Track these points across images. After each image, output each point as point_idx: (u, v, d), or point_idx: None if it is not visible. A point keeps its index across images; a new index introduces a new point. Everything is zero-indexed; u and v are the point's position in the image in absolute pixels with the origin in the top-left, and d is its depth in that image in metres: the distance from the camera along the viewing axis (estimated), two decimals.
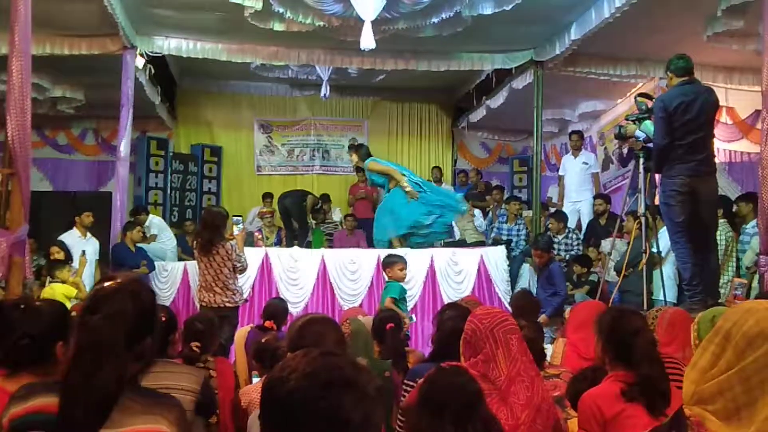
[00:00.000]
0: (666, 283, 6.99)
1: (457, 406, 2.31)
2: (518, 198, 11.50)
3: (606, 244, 8.43)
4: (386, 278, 7.23)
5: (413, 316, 7.51)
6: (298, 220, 11.41)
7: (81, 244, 8.33)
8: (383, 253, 8.51)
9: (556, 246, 8.86)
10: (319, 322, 2.83)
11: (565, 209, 10.18)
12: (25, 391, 1.82)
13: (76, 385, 1.73)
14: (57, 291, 7.18)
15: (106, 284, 1.91)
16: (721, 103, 8.85)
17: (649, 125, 6.16)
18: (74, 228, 8.71)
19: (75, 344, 1.81)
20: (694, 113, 5.65)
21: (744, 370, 1.53)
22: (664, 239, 7.23)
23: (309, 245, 10.71)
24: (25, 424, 1.68)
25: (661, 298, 6.91)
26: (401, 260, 7.11)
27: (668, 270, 7.41)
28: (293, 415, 1.33)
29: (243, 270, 6.79)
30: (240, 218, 7.20)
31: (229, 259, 6.41)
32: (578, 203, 10.40)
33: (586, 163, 10.61)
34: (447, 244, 9.66)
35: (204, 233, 6.55)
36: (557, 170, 11.38)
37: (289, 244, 10.31)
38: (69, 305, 6.99)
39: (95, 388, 1.71)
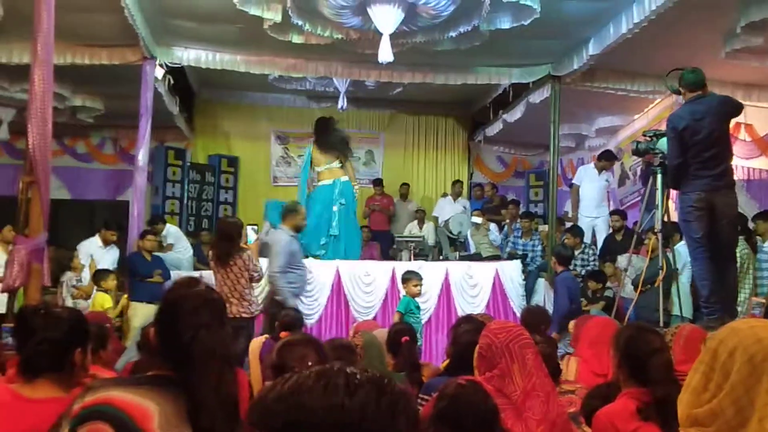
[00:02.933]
0: (682, 298, 6.95)
1: (474, 424, 2.31)
2: (531, 214, 11.48)
3: (622, 260, 8.39)
4: (403, 293, 7.40)
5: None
6: None
7: (100, 252, 8.40)
8: (398, 265, 8.56)
9: (572, 261, 8.82)
10: (300, 343, 2.85)
11: (580, 224, 10.14)
12: (100, 383, 1.84)
13: (205, 397, 1.79)
14: (97, 301, 7.30)
15: (195, 291, 1.94)
16: (739, 120, 8.84)
17: (664, 143, 6.13)
18: (97, 236, 8.81)
19: (198, 354, 1.83)
20: (703, 133, 5.60)
21: (732, 391, 1.52)
22: (680, 256, 7.20)
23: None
24: (92, 414, 1.69)
25: (679, 313, 6.87)
26: (416, 277, 7.27)
27: (684, 286, 7.37)
28: None
29: (259, 279, 6.81)
30: (255, 226, 7.19)
31: (246, 269, 6.42)
32: (596, 219, 10.36)
33: (608, 181, 10.60)
34: (462, 258, 9.67)
35: (220, 244, 6.56)
36: (611, 183, 11.31)
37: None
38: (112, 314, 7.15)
39: (222, 399, 1.80)
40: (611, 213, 10.25)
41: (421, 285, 7.29)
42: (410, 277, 7.30)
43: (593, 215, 10.31)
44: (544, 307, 7.68)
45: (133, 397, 1.73)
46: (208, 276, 7.99)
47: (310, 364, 2.68)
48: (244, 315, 6.37)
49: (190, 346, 1.83)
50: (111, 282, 7.77)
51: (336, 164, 9.53)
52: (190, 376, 1.80)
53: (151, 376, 1.86)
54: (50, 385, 2.23)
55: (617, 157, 11.15)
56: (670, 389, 2.67)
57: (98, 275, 7.68)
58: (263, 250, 7.75)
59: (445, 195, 13.22)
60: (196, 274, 8.66)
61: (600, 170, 10.51)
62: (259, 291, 7.54)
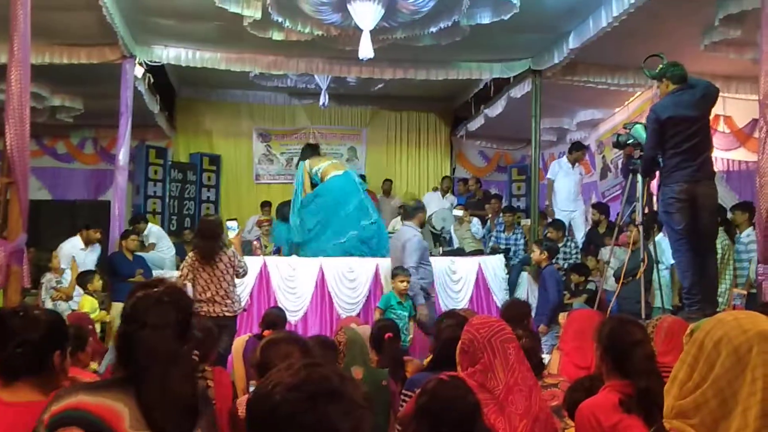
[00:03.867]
0: (663, 290, 6.99)
1: (455, 419, 2.31)
2: (513, 208, 11.51)
3: (605, 253, 8.43)
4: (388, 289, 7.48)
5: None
6: None
7: (81, 254, 8.33)
8: (381, 262, 8.54)
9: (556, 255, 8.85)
10: (283, 341, 2.84)
11: (557, 218, 10.18)
12: (67, 390, 1.84)
13: (153, 398, 1.78)
14: (85, 305, 7.24)
15: (148, 292, 1.93)
16: (718, 112, 8.91)
17: (639, 130, 6.14)
18: (78, 237, 8.72)
19: (137, 356, 1.83)
20: (686, 124, 5.63)
21: (717, 382, 1.54)
22: (661, 247, 7.25)
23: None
24: (63, 420, 1.69)
25: (660, 305, 6.91)
26: (403, 273, 7.24)
27: (666, 277, 7.42)
28: (280, 429, 1.32)
29: (244, 275, 6.77)
30: (235, 221, 7.14)
31: (231, 266, 6.38)
32: (573, 213, 10.38)
33: (582, 174, 10.62)
34: (445, 253, 9.68)
35: (204, 243, 6.51)
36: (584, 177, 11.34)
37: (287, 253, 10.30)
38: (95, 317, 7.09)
39: (171, 397, 1.78)
40: (593, 206, 10.29)
41: (408, 281, 7.28)
42: (397, 273, 7.28)
43: (570, 209, 10.31)
44: (526, 300, 7.71)
45: (103, 399, 1.74)
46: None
47: (293, 360, 2.68)
48: (227, 314, 6.32)
49: (134, 347, 1.83)
50: (97, 283, 7.72)
51: (335, 160, 9.64)
52: (136, 377, 1.80)
53: (116, 379, 1.87)
54: (29, 388, 2.21)
55: (585, 146, 11.15)
56: (652, 381, 2.68)
57: (83, 278, 7.60)
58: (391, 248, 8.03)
59: (435, 189, 13.19)
60: (177, 273, 8.63)
61: (573, 163, 10.51)
62: (242, 289, 7.52)
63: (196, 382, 1.86)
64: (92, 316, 7.03)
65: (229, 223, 6.99)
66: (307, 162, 9.22)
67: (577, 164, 10.56)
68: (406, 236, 7.63)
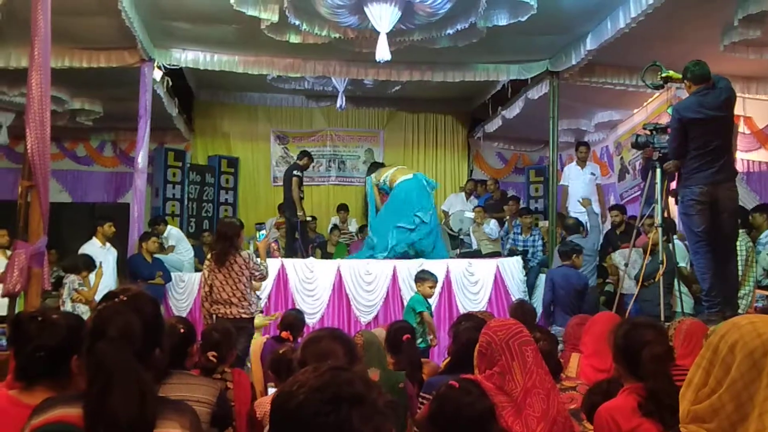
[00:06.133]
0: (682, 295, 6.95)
1: (466, 426, 2.31)
2: (530, 210, 11.48)
3: (617, 256, 8.37)
4: (414, 290, 7.54)
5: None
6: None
7: (101, 254, 8.38)
8: (399, 264, 8.55)
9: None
10: (327, 337, 2.82)
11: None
12: (46, 403, 1.84)
13: (94, 413, 1.74)
14: None
15: (108, 303, 1.92)
16: (738, 113, 8.82)
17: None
18: (94, 238, 8.75)
19: (87, 370, 1.82)
20: (708, 125, 5.60)
21: (732, 386, 1.53)
22: (680, 251, 7.20)
23: (330, 257, 10.75)
24: None
25: (680, 309, 6.86)
26: (431, 278, 7.33)
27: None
28: (301, 429, 1.33)
29: (263, 278, 6.79)
30: (264, 225, 7.16)
31: (246, 268, 6.39)
32: (584, 214, 10.30)
33: (594, 174, 10.53)
34: (463, 255, 9.68)
35: (218, 245, 6.55)
36: (597, 177, 11.25)
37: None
38: None
39: (112, 414, 1.72)
40: (612, 208, 10.22)
41: (435, 286, 7.37)
42: (426, 277, 7.34)
43: (581, 211, 10.23)
44: (528, 302, 7.72)
45: (80, 410, 1.74)
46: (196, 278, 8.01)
47: (337, 357, 2.68)
48: (244, 316, 6.35)
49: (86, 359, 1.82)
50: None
51: (402, 165, 9.97)
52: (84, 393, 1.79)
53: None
54: (48, 391, 2.22)
55: (584, 142, 11.04)
56: (659, 382, 2.65)
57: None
58: None
59: (463, 190, 13.13)
60: (197, 275, 8.68)
61: (582, 163, 10.43)
62: (260, 291, 7.55)
63: (147, 400, 1.77)
64: None
65: (258, 228, 7.07)
66: (373, 176, 9.59)
67: (589, 164, 10.47)
68: None
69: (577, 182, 10.39)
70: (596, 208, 10.17)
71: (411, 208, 9.04)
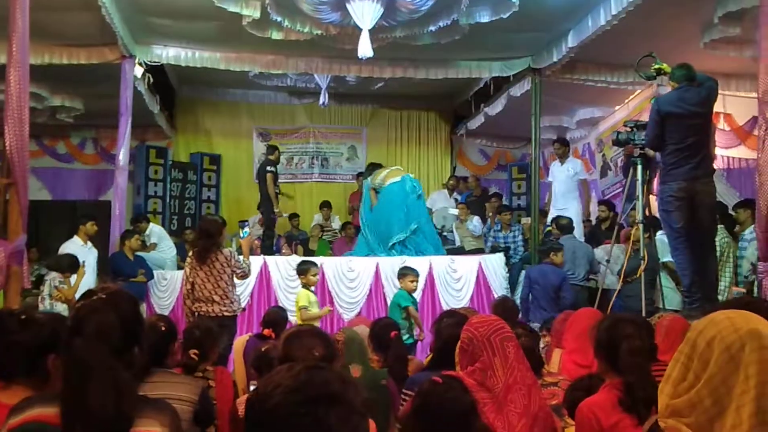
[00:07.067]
0: (664, 291, 6.99)
1: (449, 421, 2.31)
2: (510, 207, 11.51)
3: (599, 251, 8.42)
4: (397, 287, 7.58)
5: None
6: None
7: (83, 253, 8.31)
8: (381, 261, 8.56)
9: None
10: (306, 334, 2.82)
11: (551, 216, 10.18)
12: (24, 403, 1.83)
13: (71, 411, 1.74)
14: None
15: (86, 302, 1.91)
16: (718, 110, 8.89)
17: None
18: (76, 236, 8.68)
19: (63, 367, 1.82)
20: (687, 121, 5.65)
21: (711, 380, 1.55)
22: (661, 247, 7.24)
23: (312, 254, 10.73)
24: None
25: (662, 305, 6.91)
26: (412, 272, 7.40)
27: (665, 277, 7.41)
28: (277, 430, 1.32)
29: (245, 276, 6.76)
30: (247, 222, 7.16)
31: (228, 265, 6.37)
32: (564, 210, 10.31)
33: (572, 170, 10.54)
34: (446, 251, 9.70)
35: (199, 242, 6.53)
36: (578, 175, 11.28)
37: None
38: None
39: (88, 411, 1.72)
40: (599, 203, 10.28)
41: (417, 281, 7.39)
42: (407, 272, 7.39)
43: (561, 207, 10.22)
44: (511, 298, 7.77)
45: (57, 409, 1.74)
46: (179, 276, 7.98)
47: (317, 354, 2.69)
48: (226, 314, 6.32)
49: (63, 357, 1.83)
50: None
51: (396, 167, 10.06)
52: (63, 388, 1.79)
53: None
54: (26, 391, 2.19)
55: (563, 140, 11.03)
56: (635, 376, 2.67)
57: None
58: None
59: (445, 186, 13.10)
60: (179, 273, 8.64)
61: (561, 159, 10.42)
62: (243, 288, 7.53)
63: (124, 398, 1.77)
64: None
65: (241, 225, 7.06)
66: (369, 179, 9.55)
67: (569, 161, 10.45)
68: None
69: (558, 179, 10.39)
70: (575, 204, 10.19)
71: (397, 215, 9.10)
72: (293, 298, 8.30)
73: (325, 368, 1.43)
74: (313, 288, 7.36)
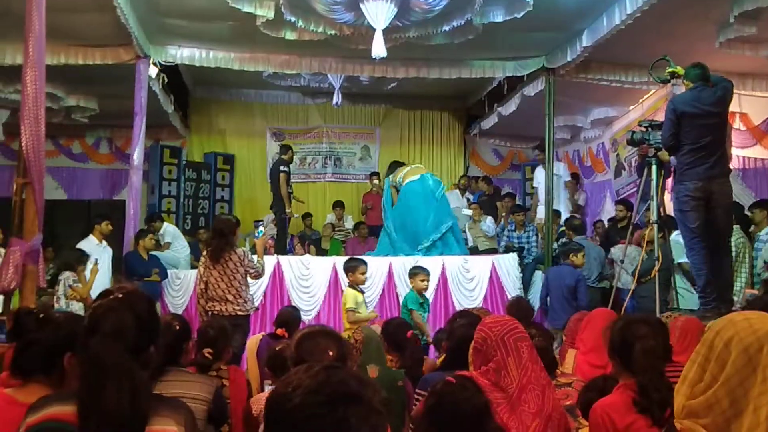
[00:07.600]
0: (679, 291, 6.95)
1: (462, 421, 2.31)
2: (523, 207, 11.47)
3: (615, 251, 8.39)
4: (410, 286, 7.47)
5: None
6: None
7: (98, 251, 8.35)
8: (394, 261, 8.56)
9: None
10: (320, 334, 2.82)
11: (537, 220, 10.19)
12: (41, 402, 1.84)
13: (87, 409, 1.75)
14: None
15: (103, 301, 1.93)
16: (734, 109, 8.83)
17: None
18: (91, 235, 8.74)
19: (80, 366, 1.83)
20: (702, 120, 5.62)
21: (728, 382, 1.54)
22: (676, 246, 7.21)
23: (325, 254, 10.75)
24: None
25: (681, 306, 6.88)
26: (423, 272, 7.30)
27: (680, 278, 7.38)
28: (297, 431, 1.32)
29: (259, 276, 6.78)
30: (261, 222, 7.15)
31: (241, 265, 6.39)
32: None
33: (557, 174, 10.47)
34: None
35: (212, 242, 6.55)
36: (561, 177, 11.24)
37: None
38: None
39: (105, 410, 1.73)
40: (617, 202, 10.23)
41: (428, 280, 7.33)
42: (417, 272, 7.33)
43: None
44: (525, 299, 7.75)
45: (74, 408, 1.75)
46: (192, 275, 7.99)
47: (331, 354, 2.69)
48: (239, 313, 6.34)
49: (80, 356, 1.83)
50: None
51: (417, 165, 10.07)
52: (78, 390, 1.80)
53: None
54: (42, 389, 2.22)
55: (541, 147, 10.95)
56: (648, 377, 2.65)
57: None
58: None
59: (457, 186, 13.10)
60: (193, 272, 8.67)
61: (544, 165, 10.27)
62: (256, 288, 7.54)
63: (140, 396, 1.78)
64: None
65: (256, 224, 7.07)
66: (390, 177, 9.52)
67: (554, 164, 10.30)
68: None
69: (543, 183, 10.32)
70: (561, 207, 10.15)
71: (423, 215, 9.10)
72: (306, 297, 8.34)
73: (342, 368, 1.44)
74: (361, 287, 7.21)
